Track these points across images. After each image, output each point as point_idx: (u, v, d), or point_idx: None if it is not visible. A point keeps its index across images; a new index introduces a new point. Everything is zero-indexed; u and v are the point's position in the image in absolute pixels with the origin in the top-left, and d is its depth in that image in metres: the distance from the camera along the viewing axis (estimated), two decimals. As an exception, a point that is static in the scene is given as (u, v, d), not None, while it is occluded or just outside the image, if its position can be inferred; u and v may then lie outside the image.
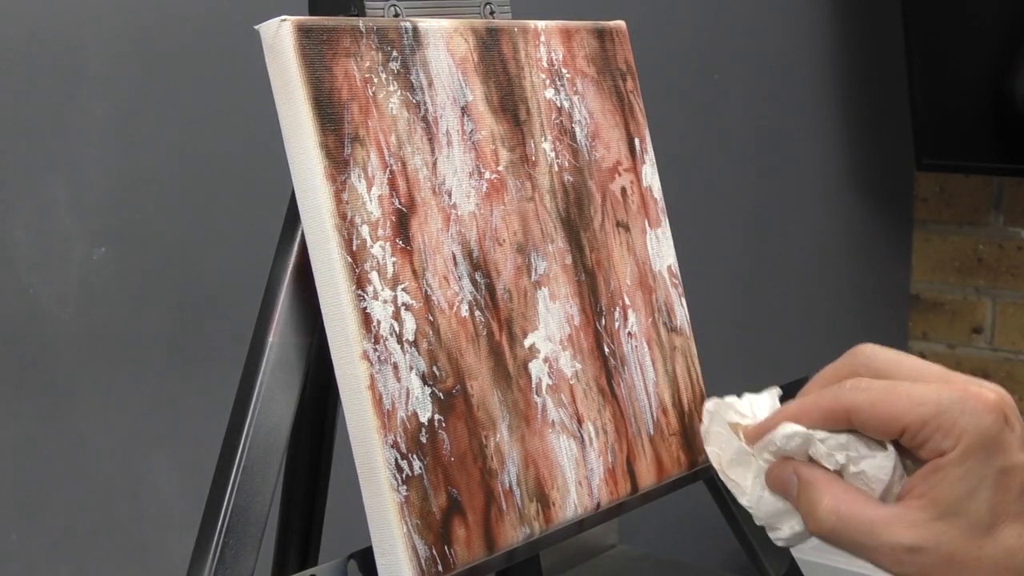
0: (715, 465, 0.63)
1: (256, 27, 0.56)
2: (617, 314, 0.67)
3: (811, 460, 0.58)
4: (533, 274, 0.63)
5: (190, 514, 1.06)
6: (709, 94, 1.60)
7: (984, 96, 1.83)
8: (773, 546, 0.78)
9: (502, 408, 0.60)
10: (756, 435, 0.60)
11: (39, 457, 0.99)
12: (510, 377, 0.61)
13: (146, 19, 1.03)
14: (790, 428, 0.58)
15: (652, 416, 0.68)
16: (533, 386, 0.62)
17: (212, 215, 1.09)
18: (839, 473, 0.58)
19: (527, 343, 0.62)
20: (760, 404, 0.63)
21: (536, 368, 0.62)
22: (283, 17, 0.55)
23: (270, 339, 0.56)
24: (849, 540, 0.57)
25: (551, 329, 0.63)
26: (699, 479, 0.72)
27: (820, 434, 0.58)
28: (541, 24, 0.67)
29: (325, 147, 0.55)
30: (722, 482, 0.63)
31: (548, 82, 0.67)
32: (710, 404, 0.64)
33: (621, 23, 0.73)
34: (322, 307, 0.55)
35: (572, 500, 0.62)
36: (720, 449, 0.63)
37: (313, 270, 0.56)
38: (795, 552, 0.75)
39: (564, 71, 0.68)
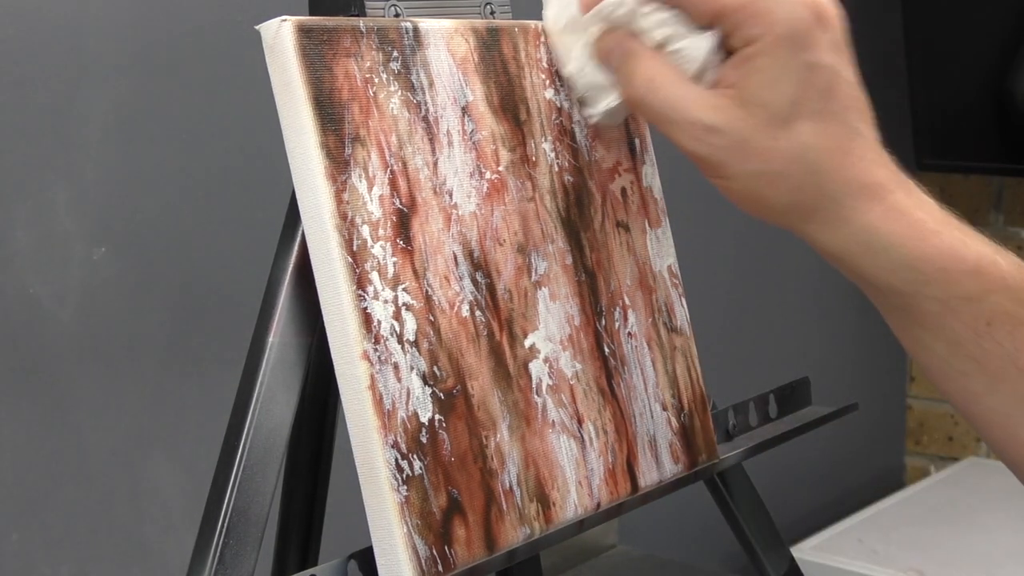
0: (549, 27, 0.65)
1: (257, 27, 0.56)
2: (617, 314, 0.67)
3: (635, 35, 0.60)
4: (533, 274, 0.63)
5: (190, 514, 1.06)
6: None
7: (984, 96, 1.83)
8: (773, 546, 0.79)
9: (502, 408, 0.60)
10: (590, 3, 0.61)
11: (39, 457, 0.99)
12: (510, 377, 0.61)
13: (146, 19, 1.03)
14: (619, 1, 0.60)
15: (652, 416, 0.68)
16: (533, 386, 0.62)
17: (212, 215, 1.09)
18: (659, 49, 0.59)
19: (527, 343, 0.62)
20: None
21: (536, 368, 0.62)
22: (283, 17, 0.55)
23: (270, 339, 0.56)
24: (655, 112, 0.58)
25: (551, 329, 0.63)
26: (699, 479, 0.72)
27: (646, 8, 0.59)
28: (542, 24, 0.67)
29: (326, 147, 0.55)
30: (552, 51, 0.65)
31: (548, 82, 0.67)
32: None
33: (621, 23, 0.73)
34: (322, 307, 0.55)
35: (572, 500, 0.62)
36: (558, 12, 0.64)
37: (313, 270, 0.56)
38: (795, 552, 0.75)
39: (564, 71, 0.68)
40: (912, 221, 0.57)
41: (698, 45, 0.58)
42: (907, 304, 0.58)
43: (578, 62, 0.64)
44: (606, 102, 0.64)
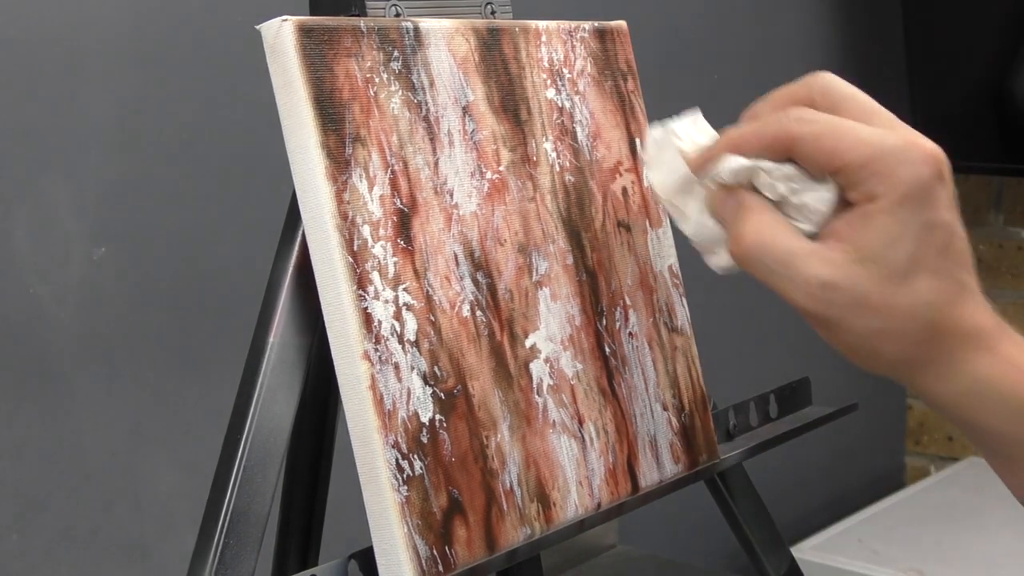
0: (659, 192, 0.63)
1: (257, 27, 0.56)
2: (618, 314, 0.67)
3: (754, 189, 0.58)
4: (534, 274, 0.63)
5: (190, 514, 1.06)
6: (710, 94, 1.60)
7: (984, 96, 1.83)
8: (773, 546, 0.79)
9: (503, 408, 0.60)
10: (701, 163, 0.60)
11: (39, 457, 0.99)
12: (511, 377, 0.61)
13: (146, 19, 1.02)
14: (736, 162, 0.58)
15: (653, 416, 0.68)
16: (534, 386, 0.62)
17: (212, 215, 1.09)
18: (780, 204, 0.58)
19: (528, 343, 0.62)
20: (698, 129, 0.63)
21: (537, 368, 0.62)
22: (284, 17, 0.55)
23: (270, 339, 0.56)
24: (766, 268, 0.57)
25: (552, 329, 0.63)
26: (699, 479, 0.72)
27: (766, 165, 0.57)
28: (542, 24, 0.67)
29: (326, 147, 0.55)
30: (664, 209, 0.64)
31: (549, 82, 0.67)
32: (656, 132, 0.63)
33: (622, 23, 0.73)
34: (323, 307, 0.55)
35: (573, 500, 0.62)
36: (666, 176, 0.62)
37: (314, 270, 0.56)
38: (795, 552, 0.75)
39: (565, 71, 0.68)
40: (1019, 368, 0.57)
41: (823, 197, 0.57)
42: (1014, 449, 0.59)
43: (695, 220, 0.62)
44: (728, 255, 0.61)
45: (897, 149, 0.55)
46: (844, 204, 0.57)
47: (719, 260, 0.62)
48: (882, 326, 0.56)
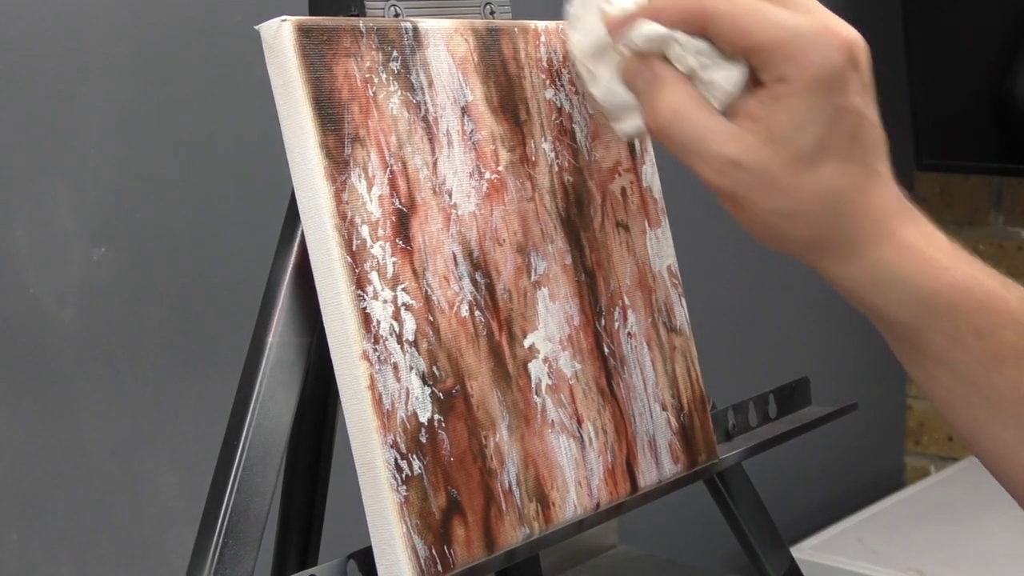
0: (574, 52, 0.63)
1: (256, 27, 0.56)
2: (617, 314, 0.67)
3: (665, 60, 0.59)
4: (533, 274, 0.63)
5: (190, 514, 1.06)
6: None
7: (984, 96, 1.83)
8: (773, 546, 0.79)
9: (502, 408, 0.60)
10: (618, 27, 0.60)
11: (39, 457, 0.99)
12: (510, 377, 0.61)
13: (146, 19, 1.03)
14: (651, 28, 0.58)
15: (652, 416, 0.68)
16: (533, 386, 0.62)
17: (212, 215, 1.09)
18: (689, 79, 0.58)
19: (527, 343, 0.62)
20: None
21: (536, 368, 0.62)
22: (283, 17, 0.55)
23: (270, 339, 0.56)
24: (679, 142, 0.58)
25: (551, 329, 0.63)
26: (699, 479, 0.72)
27: (680, 36, 0.58)
28: (541, 24, 0.67)
29: (325, 147, 0.55)
30: (577, 71, 0.63)
31: (548, 82, 0.67)
32: None
33: (621, 23, 0.73)
34: (322, 307, 0.55)
35: (572, 500, 0.62)
36: (584, 37, 0.63)
37: (313, 270, 0.56)
38: (795, 552, 0.75)
39: (564, 71, 0.68)
40: (922, 257, 0.58)
41: (731, 77, 0.58)
42: (916, 337, 0.59)
43: (606, 84, 0.62)
44: (634, 121, 0.63)
45: (811, 32, 0.55)
46: (757, 84, 0.57)
47: (626, 127, 0.63)
48: (788, 207, 0.57)
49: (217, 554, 0.53)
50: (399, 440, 0.55)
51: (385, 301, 0.56)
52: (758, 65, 0.57)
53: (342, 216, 0.55)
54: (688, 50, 0.58)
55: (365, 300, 0.55)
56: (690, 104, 0.58)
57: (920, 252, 0.58)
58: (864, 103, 0.57)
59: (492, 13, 0.67)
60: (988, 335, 0.58)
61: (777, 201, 0.57)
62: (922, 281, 0.57)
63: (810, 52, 0.55)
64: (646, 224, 0.71)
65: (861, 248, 0.58)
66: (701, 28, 0.58)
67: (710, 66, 0.58)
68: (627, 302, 0.68)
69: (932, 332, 0.58)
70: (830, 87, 0.55)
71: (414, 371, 0.56)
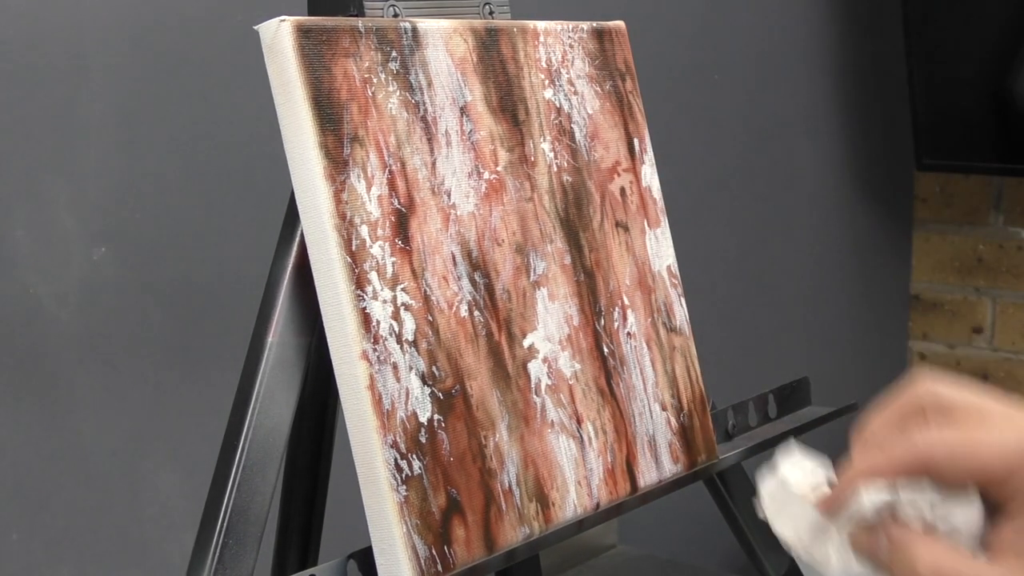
0: (793, 545, 0.59)
1: (256, 27, 0.56)
2: (616, 314, 0.67)
3: (897, 522, 0.56)
4: (532, 274, 0.63)
5: (190, 514, 1.06)
6: (709, 94, 1.60)
7: (984, 96, 1.83)
8: (773, 546, 0.79)
9: (501, 408, 0.60)
10: (834, 506, 0.57)
11: (39, 457, 0.99)
12: (509, 377, 0.61)
13: (146, 19, 1.03)
14: (878, 497, 0.56)
15: (651, 416, 0.68)
16: (532, 386, 0.62)
17: (212, 215, 1.09)
18: (931, 528, 0.55)
19: (526, 343, 0.62)
20: (803, 468, 0.60)
21: (535, 368, 0.62)
22: (282, 17, 0.55)
23: (270, 339, 0.56)
24: None
25: (550, 329, 0.63)
26: (699, 479, 0.72)
27: (906, 495, 0.55)
28: (540, 24, 0.67)
29: (324, 147, 0.55)
30: (801, 561, 0.60)
31: (547, 82, 0.67)
32: (769, 484, 0.60)
33: (620, 23, 0.73)
34: (321, 307, 0.55)
35: (571, 500, 0.62)
36: (797, 526, 0.59)
37: (313, 270, 0.56)
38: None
39: (563, 71, 0.68)
40: None
41: (969, 517, 0.55)
42: None
43: (840, 565, 0.58)
44: None
45: None
46: (996, 510, 0.55)
47: None
48: None
49: (217, 554, 0.53)
50: (399, 440, 0.55)
51: (385, 301, 0.56)
52: (998, 496, 0.54)
53: (341, 216, 0.55)
54: (921, 504, 0.55)
55: (365, 300, 0.55)
56: (949, 557, 0.54)
57: None
58: None
59: (491, 13, 0.67)
60: None
61: None
62: None
63: None
64: (645, 224, 0.71)
65: None
66: (921, 475, 0.55)
67: (946, 514, 0.55)
68: (627, 302, 0.68)
69: None
70: None
71: (414, 371, 0.56)
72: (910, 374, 0.58)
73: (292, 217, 0.57)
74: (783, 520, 0.59)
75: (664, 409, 0.69)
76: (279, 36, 0.55)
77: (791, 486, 0.59)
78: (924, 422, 0.57)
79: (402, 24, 0.60)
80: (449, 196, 0.60)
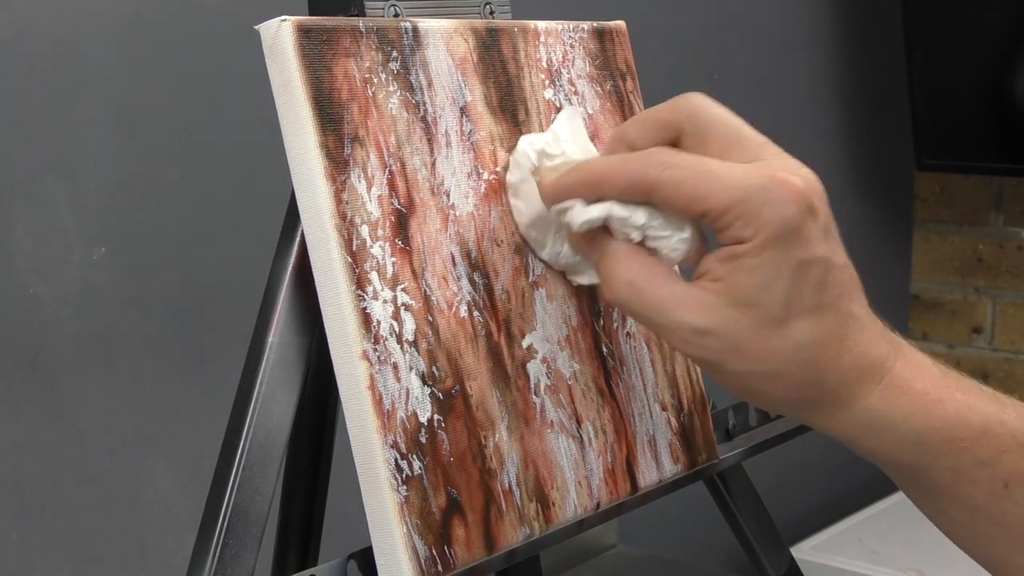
0: (516, 218, 0.62)
1: (256, 27, 0.56)
2: (615, 315, 0.67)
3: (610, 232, 0.57)
4: (531, 274, 0.63)
5: (190, 514, 1.06)
6: (709, 94, 1.60)
7: (984, 96, 1.83)
8: (773, 546, 0.79)
9: (501, 408, 0.60)
10: (555, 194, 0.58)
11: (39, 457, 0.99)
12: (508, 377, 0.61)
13: (146, 19, 1.03)
14: (587, 214, 0.56)
15: (651, 416, 0.68)
16: (531, 386, 0.62)
17: (212, 215, 1.09)
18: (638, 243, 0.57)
19: (525, 343, 0.62)
20: (568, 140, 0.61)
21: (534, 368, 0.62)
22: (283, 17, 0.55)
23: (270, 339, 0.56)
24: (641, 315, 0.56)
25: (548, 330, 0.63)
26: (699, 479, 0.72)
27: (618, 213, 0.56)
28: (541, 24, 0.67)
29: (325, 147, 0.55)
30: (522, 236, 0.62)
31: (547, 82, 0.67)
32: (521, 143, 0.62)
33: (621, 23, 0.73)
34: (322, 307, 0.55)
35: (572, 500, 0.62)
36: (525, 204, 0.61)
37: (313, 270, 0.56)
38: (795, 552, 0.75)
39: (563, 71, 0.68)
40: (913, 395, 0.56)
41: (676, 246, 0.56)
42: (920, 477, 0.58)
43: (553, 249, 0.62)
44: (589, 275, 0.62)
45: (760, 189, 0.53)
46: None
47: (582, 280, 0.63)
48: (764, 369, 0.54)
49: (217, 554, 0.53)
50: (399, 440, 0.55)
51: (385, 301, 0.56)
52: (713, 227, 0.54)
53: (342, 216, 0.55)
54: (628, 226, 0.56)
55: (365, 300, 0.55)
56: (645, 275, 0.55)
57: (909, 390, 0.56)
58: (828, 248, 0.55)
59: (492, 13, 0.67)
60: (993, 463, 0.56)
61: (751, 364, 0.54)
62: (916, 421, 0.55)
63: (763, 210, 0.53)
64: (646, 224, 0.71)
65: (848, 400, 0.56)
66: (645, 196, 0.55)
67: (654, 238, 0.56)
68: (627, 302, 0.68)
69: (935, 470, 0.56)
70: (788, 242, 0.53)
71: (414, 371, 0.56)
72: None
73: (292, 217, 0.57)
74: (518, 195, 0.62)
75: (664, 409, 0.69)
76: (280, 36, 0.55)
77: (534, 153, 0.61)
78: (676, 139, 0.57)
79: (403, 24, 0.60)
80: (449, 196, 0.60)
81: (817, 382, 0.55)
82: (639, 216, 0.56)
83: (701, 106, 0.58)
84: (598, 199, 0.56)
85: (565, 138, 0.62)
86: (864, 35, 1.90)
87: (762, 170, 0.54)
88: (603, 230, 0.57)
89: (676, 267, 0.58)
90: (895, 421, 0.56)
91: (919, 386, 0.56)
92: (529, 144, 0.62)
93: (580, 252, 0.60)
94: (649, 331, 0.56)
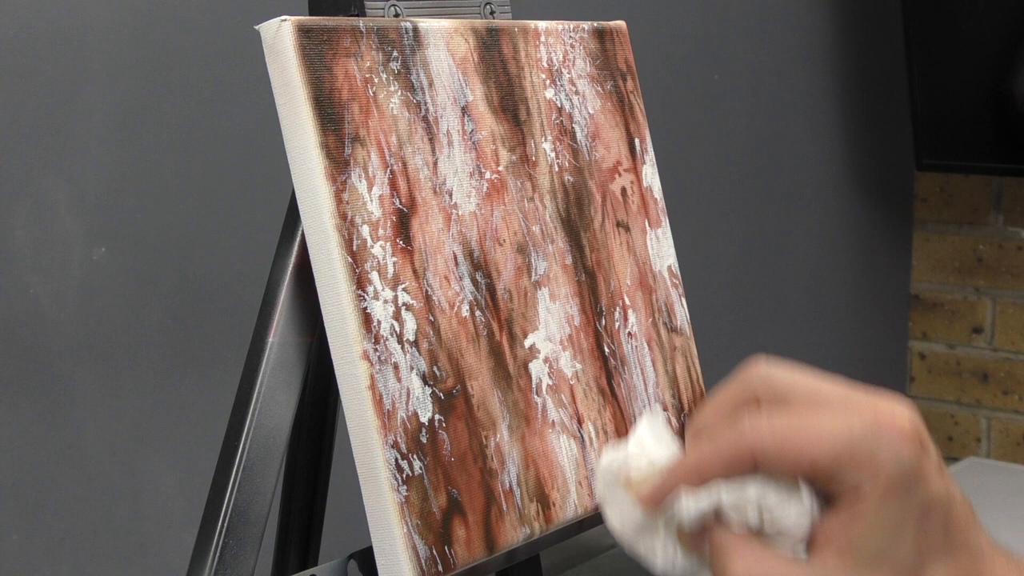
0: (617, 533, 0.56)
1: (256, 27, 0.56)
2: (617, 314, 0.67)
3: (721, 522, 0.53)
4: (533, 274, 0.63)
5: (190, 514, 1.06)
6: (709, 94, 1.60)
7: (984, 96, 1.83)
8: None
9: (502, 408, 0.60)
10: (655, 500, 0.54)
11: (39, 457, 0.99)
12: (510, 377, 0.61)
13: (146, 19, 1.03)
14: (696, 507, 0.52)
15: (652, 416, 0.68)
16: (533, 386, 0.62)
17: (212, 215, 1.09)
18: (757, 530, 0.53)
19: (527, 343, 0.62)
20: (652, 445, 0.57)
21: (536, 368, 0.62)
22: (283, 17, 0.55)
23: (270, 339, 0.56)
24: None
25: (551, 329, 0.63)
26: (699, 479, 0.72)
27: (727, 498, 0.52)
28: (541, 24, 0.67)
29: (325, 147, 0.55)
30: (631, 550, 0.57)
31: (548, 82, 0.67)
32: (605, 461, 0.56)
33: (621, 23, 0.73)
34: (322, 307, 0.55)
35: (572, 500, 0.62)
36: (621, 517, 0.55)
37: (313, 270, 0.56)
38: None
39: (564, 71, 0.68)
40: None
41: (798, 520, 0.52)
42: None
43: (666, 559, 0.55)
44: None
45: (869, 433, 0.50)
46: (827, 499, 0.52)
47: None
48: None
49: (217, 554, 0.53)
50: (400, 440, 0.55)
51: (386, 301, 0.56)
52: (824, 482, 0.51)
53: (342, 216, 0.55)
54: (743, 511, 0.52)
55: (366, 300, 0.55)
56: (763, 562, 0.51)
57: None
58: (945, 483, 0.51)
59: (492, 13, 0.67)
60: None
61: None
62: None
63: (877, 454, 0.49)
64: (646, 224, 0.71)
65: None
66: (750, 467, 0.51)
67: (773, 517, 0.52)
68: (627, 302, 0.68)
69: None
70: (909, 486, 0.49)
71: (415, 371, 0.56)
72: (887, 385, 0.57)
73: (293, 217, 0.57)
74: (611, 507, 0.56)
75: (665, 409, 0.69)
76: (280, 36, 0.55)
77: (621, 464, 0.55)
78: (757, 410, 0.53)
79: (403, 24, 0.60)
80: (451, 196, 0.60)
81: None
82: (750, 491, 0.52)
83: (772, 372, 0.55)
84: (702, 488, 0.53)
85: (650, 446, 0.57)
86: (864, 35, 1.90)
87: (863, 413, 0.51)
88: (714, 523, 0.53)
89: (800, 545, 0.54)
90: None
91: None
92: (611, 461, 0.57)
93: (693, 551, 0.55)
94: None
